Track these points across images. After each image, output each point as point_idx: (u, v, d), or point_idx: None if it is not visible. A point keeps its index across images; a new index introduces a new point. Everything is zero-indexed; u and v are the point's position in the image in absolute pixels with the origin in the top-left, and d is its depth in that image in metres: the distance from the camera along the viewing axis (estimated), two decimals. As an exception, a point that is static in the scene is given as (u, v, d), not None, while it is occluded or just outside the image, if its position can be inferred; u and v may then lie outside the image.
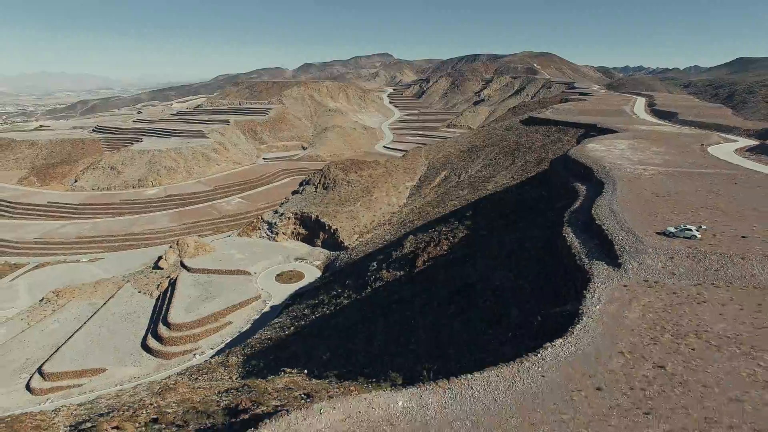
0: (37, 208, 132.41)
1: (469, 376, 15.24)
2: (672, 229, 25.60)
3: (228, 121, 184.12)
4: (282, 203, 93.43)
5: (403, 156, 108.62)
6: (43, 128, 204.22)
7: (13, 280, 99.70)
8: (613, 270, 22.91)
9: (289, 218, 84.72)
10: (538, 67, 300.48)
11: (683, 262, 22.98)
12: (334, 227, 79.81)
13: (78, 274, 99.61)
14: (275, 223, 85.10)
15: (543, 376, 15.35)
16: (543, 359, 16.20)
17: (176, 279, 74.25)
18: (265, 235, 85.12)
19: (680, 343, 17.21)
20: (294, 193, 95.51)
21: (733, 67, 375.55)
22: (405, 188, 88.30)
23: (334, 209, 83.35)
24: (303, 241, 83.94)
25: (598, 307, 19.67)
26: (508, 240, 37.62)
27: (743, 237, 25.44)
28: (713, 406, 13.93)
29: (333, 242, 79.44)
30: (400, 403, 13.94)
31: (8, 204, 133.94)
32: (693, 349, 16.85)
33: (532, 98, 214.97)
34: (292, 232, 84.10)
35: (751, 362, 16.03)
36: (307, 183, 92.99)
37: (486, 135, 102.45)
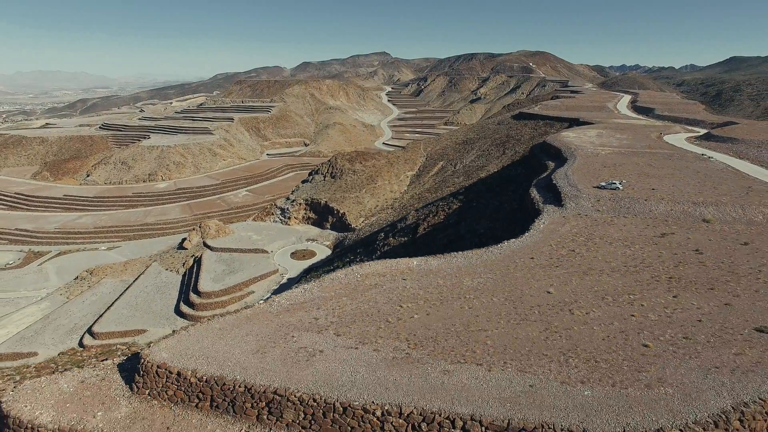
0: (54, 200, 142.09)
1: (455, 253, 26.16)
2: (603, 184, 36.73)
3: (232, 119, 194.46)
4: (294, 191, 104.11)
5: (404, 148, 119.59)
6: (49, 126, 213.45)
7: (40, 265, 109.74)
8: (558, 208, 33.93)
9: (300, 204, 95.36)
10: (534, 65, 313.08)
11: (605, 203, 34.02)
12: (341, 211, 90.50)
13: (99, 260, 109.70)
14: (287, 208, 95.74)
15: (500, 253, 26.28)
16: (500, 247, 27.17)
17: (201, 256, 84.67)
18: (278, 219, 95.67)
19: (588, 241, 28.20)
20: (304, 182, 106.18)
21: (726, 66, 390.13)
22: (406, 177, 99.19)
23: (341, 195, 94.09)
24: (313, 224, 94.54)
25: (542, 226, 30.66)
26: (491, 204, 48.65)
27: (653, 189, 36.54)
28: (594, 264, 24.91)
29: (341, 225, 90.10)
30: (414, 263, 24.83)
31: (26, 197, 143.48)
32: (595, 244, 27.85)
33: (527, 96, 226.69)
34: (303, 217, 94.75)
35: (626, 249, 27.07)
36: (316, 172, 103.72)
37: (480, 129, 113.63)
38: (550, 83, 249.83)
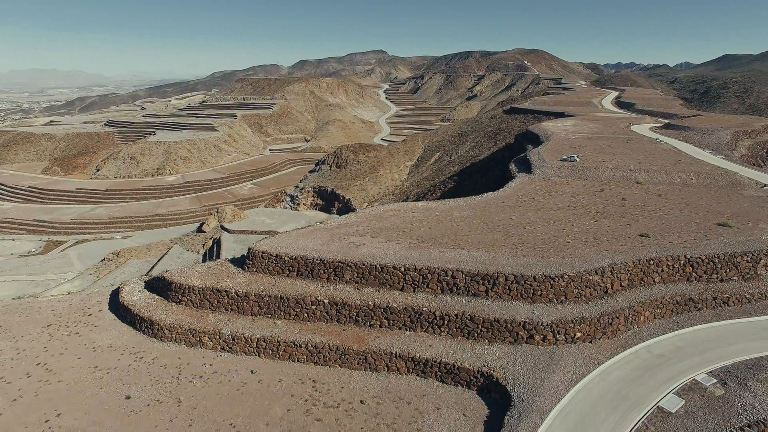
0: (67, 193, 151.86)
1: (448, 199, 37.36)
2: (564, 157, 48.14)
3: (235, 115, 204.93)
4: (302, 179, 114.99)
5: (403, 140, 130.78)
6: (54, 123, 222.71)
7: (62, 251, 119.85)
8: (528, 174, 45.30)
9: (308, 191, 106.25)
10: (529, 63, 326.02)
11: (564, 171, 45.41)
12: (347, 197, 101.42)
13: (116, 248, 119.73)
14: (297, 195, 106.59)
15: (480, 199, 37.55)
16: (481, 196, 38.45)
17: (219, 238, 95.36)
18: (288, 206, 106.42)
19: (546, 194, 39.55)
20: (311, 171, 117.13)
21: (719, 63, 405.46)
22: (405, 167, 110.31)
23: (346, 183, 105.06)
24: (321, 210, 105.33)
25: (513, 185, 41.99)
26: (480, 181, 59.99)
27: (603, 161, 47.99)
28: (546, 205, 36.24)
29: (346, 210, 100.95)
30: (420, 204, 36.02)
31: (40, 190, 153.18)
32: (551, 195, 39.16)
33: (522, 93, 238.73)
34: (312, 203, 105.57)
35: (572, 198, 38.41)
36: (323, 163, 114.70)
37: (474, 123, 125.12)
38: (544, 81, 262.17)
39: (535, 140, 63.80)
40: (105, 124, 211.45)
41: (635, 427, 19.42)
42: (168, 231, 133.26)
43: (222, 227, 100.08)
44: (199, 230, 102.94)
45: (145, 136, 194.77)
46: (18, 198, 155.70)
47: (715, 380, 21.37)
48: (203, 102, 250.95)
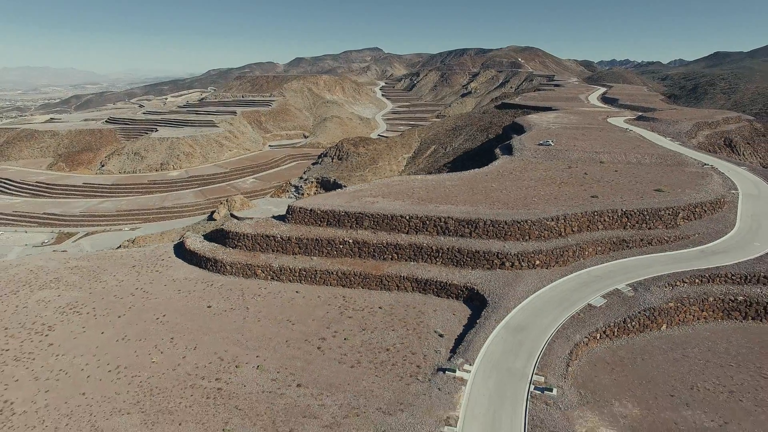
0: (74, 188, 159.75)
1: (441, 174, 46.69)
2: (541, 142, 57.71)
3: (235, 112, 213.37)
4: (305, 171, 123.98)
5: (401, 134, 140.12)
6: (54, 120, 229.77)
7: (75, 241, 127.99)
8: (509, 156, 54.79)
9: (311, 182, 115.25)
10: (523, 61, 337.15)
11: (541, 153, 54.97)
12: (348, 187, 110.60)
13: (125, 238, 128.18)
14: (301, 186, 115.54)
15: (468, 174, 46.96)
16: (468, 172, 47.87)
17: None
18: (292, 196, 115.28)
19: (522, 170, 49.04)
20: (314, 164, 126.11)
21: (710, 60, 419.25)
22: (403, 158, 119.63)
23: (347, 174, 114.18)
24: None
25: (496, 164, 51.46)
26: (471, 167, 69.38)
27: (574, 146, 57.62)
28: (521, 177, 45.76)
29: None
30: (419, 177, 45.33)
31: (47, 185, 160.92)
32: (526, 171, 48.67)
33: (515, 90, 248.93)
34: (315, 193, 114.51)
35: (544, 173, 47.90)
36: (325, 155, 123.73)
37: (467, 117, 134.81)
38: (537, 78, 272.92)
39: (520, 130, 73.38)
40: (106, 121, 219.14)
41: (570, 315, 28.77)
42: (175, 222, 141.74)
43: (232, 215, 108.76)
44: (210, 218, 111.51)
45: (147, 133, 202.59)
46: (26, 193, 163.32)
47: (630, 288, 30.79)
48: (203, 99, 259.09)
